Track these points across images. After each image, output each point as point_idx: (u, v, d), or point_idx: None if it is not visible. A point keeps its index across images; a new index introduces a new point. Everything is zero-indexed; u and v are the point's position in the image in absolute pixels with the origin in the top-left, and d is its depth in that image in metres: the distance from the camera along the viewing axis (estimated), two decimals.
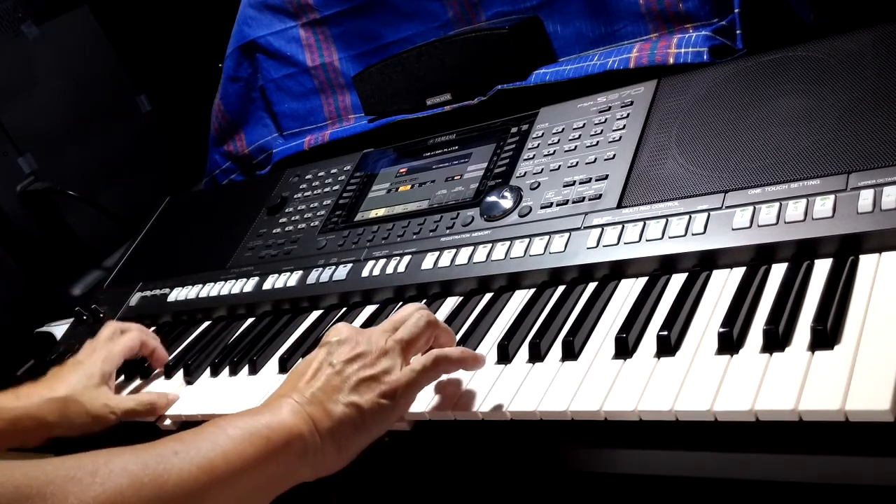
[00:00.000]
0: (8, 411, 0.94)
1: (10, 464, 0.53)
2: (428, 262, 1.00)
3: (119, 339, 1.06)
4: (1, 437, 0.94)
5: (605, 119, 1.02)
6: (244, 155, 1.54)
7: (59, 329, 1.40)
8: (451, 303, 0.97)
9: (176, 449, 0.60)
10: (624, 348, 0.74)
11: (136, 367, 1.12)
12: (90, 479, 0.53)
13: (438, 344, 0.80)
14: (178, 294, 1.25)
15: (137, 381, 1.12)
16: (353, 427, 0.70)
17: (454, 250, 0.99)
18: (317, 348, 0.77)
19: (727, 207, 0.82)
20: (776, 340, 0.66)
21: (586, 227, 0.90)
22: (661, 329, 0.73)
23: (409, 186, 1.15)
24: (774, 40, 0.98)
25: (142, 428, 1.00)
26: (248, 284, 1.17)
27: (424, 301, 0.99)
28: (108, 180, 1.72)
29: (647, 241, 0.84)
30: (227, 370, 1.03)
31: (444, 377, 0.81)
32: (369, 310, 1.03)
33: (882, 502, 0.60)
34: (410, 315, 0.79)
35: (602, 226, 0.89)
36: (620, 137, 0.98)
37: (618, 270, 0.86)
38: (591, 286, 0.86)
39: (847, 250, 0.73)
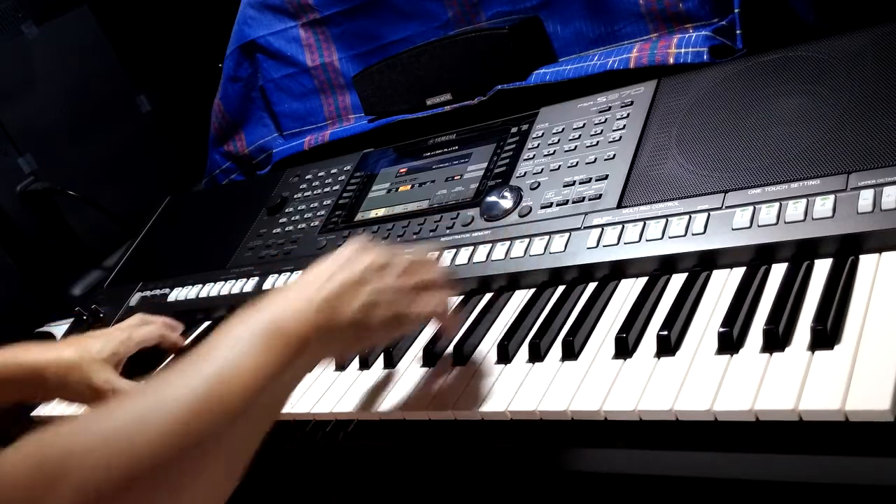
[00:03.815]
0: (11, 365, 0.97)
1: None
2: None
3: (141, 328, 1.10)
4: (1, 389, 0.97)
5: (605, 119, 1.02)
6: (244, 155, 1.54)
7: (59, 329, 1.39)
8: (451, 302, 0.96)
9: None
10: (624, 348, 0.74)
11: (143, 365, 1.12)
12: (154, 416, 0.58)
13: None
14: (178, 294, 1.25)
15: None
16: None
17: (454, 250, 0.98)
18: None
19: (727, 207, 0.82)
20: (776, 340, 0.66)
21: (586, 227, 0.90)
22: (661, 329, 0.73)
23: (409, 186, 1.15)
24: (774, 40, 0.98)
25: None
26: (248, 284, 1.17)
27: None
28: (108, 180, 1.72)
29: (647, 241, 0.84)
30: None
31: (442, 378, 0.81)
32: None
33: (882, 502, 0.60)
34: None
35: (602, 226, 0.89)
36: (620, 137, 0.97)
37: (618, 270, 0.86)
38: (591, 286, 0.86)
39: (847, 250, 0.73)
